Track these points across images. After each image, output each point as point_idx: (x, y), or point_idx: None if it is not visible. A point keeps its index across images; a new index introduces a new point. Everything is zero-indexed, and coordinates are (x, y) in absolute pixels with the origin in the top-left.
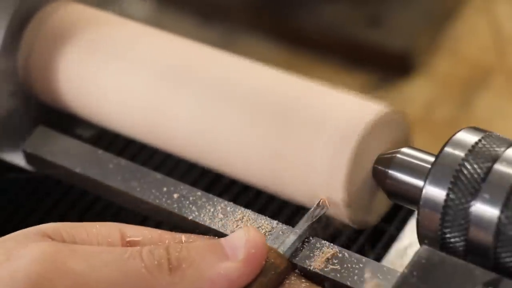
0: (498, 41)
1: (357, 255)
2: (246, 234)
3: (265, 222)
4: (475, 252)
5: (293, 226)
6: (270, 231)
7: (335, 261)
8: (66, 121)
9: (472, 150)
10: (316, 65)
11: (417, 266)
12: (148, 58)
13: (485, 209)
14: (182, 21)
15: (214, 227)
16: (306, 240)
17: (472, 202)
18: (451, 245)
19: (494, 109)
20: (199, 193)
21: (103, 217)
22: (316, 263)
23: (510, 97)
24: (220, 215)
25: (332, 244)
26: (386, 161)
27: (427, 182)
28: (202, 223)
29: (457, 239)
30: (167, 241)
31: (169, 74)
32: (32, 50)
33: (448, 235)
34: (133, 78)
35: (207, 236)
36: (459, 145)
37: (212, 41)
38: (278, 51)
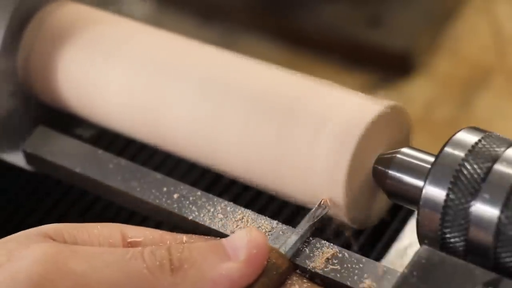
0: (498, 41)
1: (357, 255)
2: (247, 234)
3: (265, 222)
4: (475, 252)
5: (293, 226)
6: (270, 231)
7: (335, 261)
8: (66, 121)
9: (472, 150)
10: (317, 65)
11: (417, 266)
12: (148, 57)
13: (485, 209)
14: (182, 21)
15: (214, 227)
16: (306, 240)
17: (472, 202)
18: (451, 245)
19: (494, 109)
20: (199, 193)
21: (103, 217)
22: (316, 263)
23: (510, 97)
24: (220, 215)
25: (332, 244)
26: (386, 161)
27: (427, 182)
28: (202, 223)
29: (457, 239)
30: (168, 242)
31: (169, 73)
32: (32, 50)
33: (448, 235)
34: (133, 78)
35: (209, 237)
36: (459, 145)
37: (212, 41)
38: (278, 51)
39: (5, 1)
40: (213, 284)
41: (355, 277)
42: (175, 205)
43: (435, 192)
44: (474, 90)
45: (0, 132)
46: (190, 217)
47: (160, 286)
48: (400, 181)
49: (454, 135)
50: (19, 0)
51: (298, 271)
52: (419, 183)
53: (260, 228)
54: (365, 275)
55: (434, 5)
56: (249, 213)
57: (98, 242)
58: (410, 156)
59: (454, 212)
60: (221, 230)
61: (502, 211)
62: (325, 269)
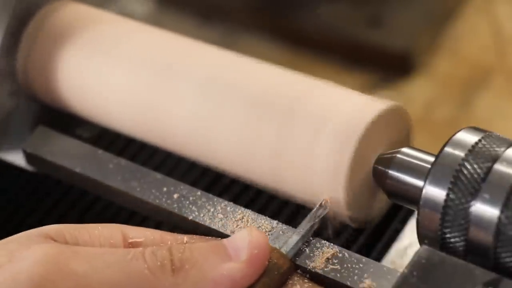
0: (498, 41)
1: (357, 255)
2: (249, 234)
3: (265, 222)
4: (475, 252)
5: (293, 226)
6: (270, 231)
7: (335, 261)
8: (66, 121)
9: (472, 150)
10: (317, 65)
11: (417, 266)
12: (148, 57)
13: (485, 209)
14: (182, 21)
15: (214, 227)
16: (307, 240)
17: (472, 202)
18: (451, 245)
19: (494, 109)
20: (199, 193)
21: (103, 217)
22: (316, 263)
23: (510, 97)
24: (220, 215)
25: (332, 244)
26: (386, 161)
27: (427, 182)
28: (202, 223)
29: (457, 239)
30: (169, 242)
31: (169, 72)
32: (32, 50)
33: (448, 235)
34: (133, 77)
35: (210, 237)
36: (459, 145)
37: (212, 41)
38: (278, 51)
39: (5, 1)
40: (214, 284)
41: (355, 277)
42: (175, 205)
43: (435, 192)
44: (474, 90)
45: (0, 132)
46: (190, 217)
47: (161, 286)
48: (400, 181)
49: (454, 135)
50: (19, 0)
51: (299, 271)
52: (419, 183)
53: (260, 228)
54: (365, 275)
55: (434, 5)
56: (249, 213)
57: (99, 242)
58: (410, 156)
59: (454, 212)
60: (221, 230)
61: (502, 211)
62: (325, 269)
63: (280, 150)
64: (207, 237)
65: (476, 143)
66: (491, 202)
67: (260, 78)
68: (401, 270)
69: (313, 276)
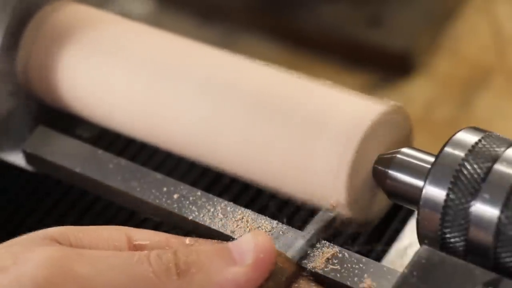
0: (498, 41)
1: (357, 255)
2: (254, 238)
3: (265, 222)
4: (475, 252)
5: (293, 226)
6: (270, 231)
7: (335, 261)
8: (66, 121)
9: (472, 150)
10: (317, 65)
11: (417, 266)
12: (147, 57)
13: (485, 209)
14: (182, 21)
15: (214, 227)
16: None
17: (472, 202)
18: (451, 245)
19: (494, 109)
20: (199, 193)
21: (103, 217)
22: (316, 263)
23: (510, 97)
24: (220, 215)
25: (332, 244)
26: (386, 161)
27: (427, 182)
28: (202, 223)
29: (457, 239)
30: (174, 245)
31: (169, 72)
32: (32, 50)
33: (448, 235)
34: (133, 77)
35: (214, 240)
36: (459, 145)
37: (212, 41)
38: (278, 51)
39: (5, 1)
40: None
41: (355, 277)
42: (175, 205)
43: (435, 192)
44: (474, 90)
45: (0, 132)
46: (190, 217)
47: None
48: (400, 181)
49: (454, 135)
50: (19, 0)
51: (304, 273)
52: (419, 183)
53: (260, 228)
54: (365, 275)
55: (434, 5)
56: (249, 213)
57: (103, 245)
58: (410, 156)
59: (454, 212)
60: (221, 230)
61: (502, 211)
62: (325, 269)
63: (281, 150)
64: (212, 240)
65: (476, 143)
66: (491, 202)
67: (261, 79)
68: (401, 270)
69: (313, 276)
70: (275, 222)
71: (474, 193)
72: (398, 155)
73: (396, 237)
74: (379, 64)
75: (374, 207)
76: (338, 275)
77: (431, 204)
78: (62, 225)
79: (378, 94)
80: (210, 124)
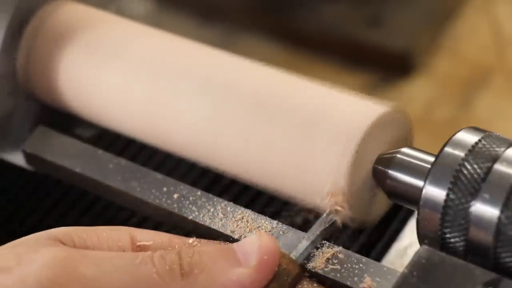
0: (498, 41)
1: (357, 255)
2: (258, 239)
3: (265, 222)
4: (475, 252)
5: (293, 226)
6: (270, 231)
7: (335, 261)
8: (66, 121)
9: (472, 150)
10: (317, 65)
11: (417, 266)
12: (147, 57)
13: (485, 209)
14: (182, 21)
15: (214, 227)
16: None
17: (472, 202)
18: (451, 245)
19: (494, 109)
20: (199, 193)
21: (103, 217)
22: (316, 263)
23: (510, 97)
24: (220, 215)
25: (332, 244)
26: (386, 161)
27: (427, 182)
28: (202, 223)
29: (457, 239)
30: (177, 246)
31: (169, 73)
32: (32, 50)
33: (448, 235)
34: (133, 78)
35: (218, 241)
36: (459, 145)
37: (212, 41)
38: (278, 51)
39: (5, 1)
40: None
41: (355, 277)
42: (175, 205)
43: (435, 192)
44: (474, 90)
45: (0, 132)
46: (190, 217)
47: None
48: (400, 181)
49: (454, 135)
50: (19, 0)
51: (306, 273)
52: (419, 183)
53: (260, 228)
54: (365, 275)
55: (434, 5)
56: (249, 213)
57: (107, 245)
58: (410, 156)
59: (454, 212)
60: (221, 230)
61: (502, 211)
62: (325, 269)
63: (281, 150)
64: (216, 241)
65: (476, 143)
66: (491, 202)
67: (260, 79)
68: (401, 270)
69: (313, 276)
70: (275, 222)
71: (474, 193)
72: (398, 155)
73: (396, 237)
74: (379, 64)
75: (374, 207)
76: (338, 275)
77: (431, 204)
78: (62, 225)
79: (378, 94)
80: (210, 125)
